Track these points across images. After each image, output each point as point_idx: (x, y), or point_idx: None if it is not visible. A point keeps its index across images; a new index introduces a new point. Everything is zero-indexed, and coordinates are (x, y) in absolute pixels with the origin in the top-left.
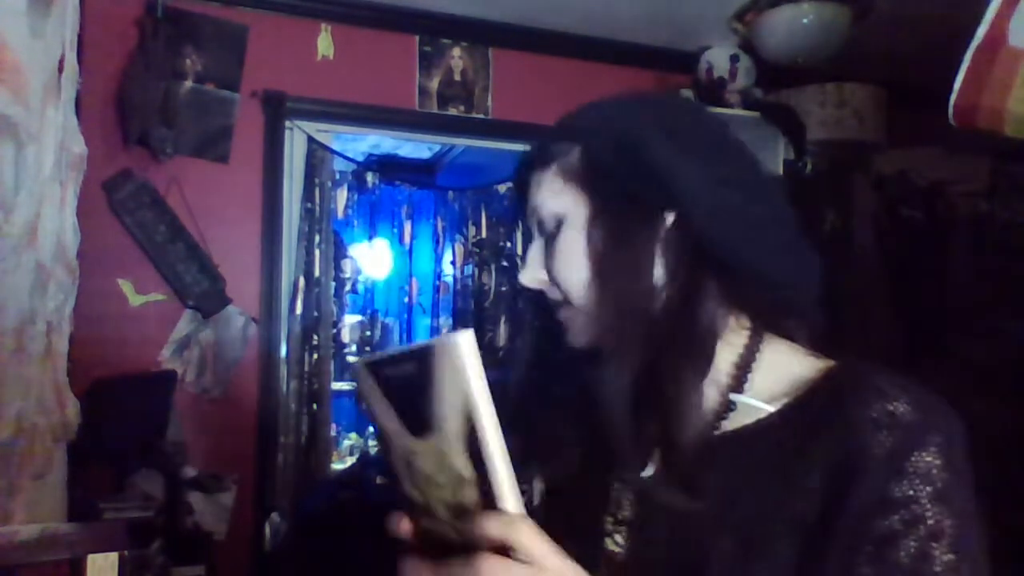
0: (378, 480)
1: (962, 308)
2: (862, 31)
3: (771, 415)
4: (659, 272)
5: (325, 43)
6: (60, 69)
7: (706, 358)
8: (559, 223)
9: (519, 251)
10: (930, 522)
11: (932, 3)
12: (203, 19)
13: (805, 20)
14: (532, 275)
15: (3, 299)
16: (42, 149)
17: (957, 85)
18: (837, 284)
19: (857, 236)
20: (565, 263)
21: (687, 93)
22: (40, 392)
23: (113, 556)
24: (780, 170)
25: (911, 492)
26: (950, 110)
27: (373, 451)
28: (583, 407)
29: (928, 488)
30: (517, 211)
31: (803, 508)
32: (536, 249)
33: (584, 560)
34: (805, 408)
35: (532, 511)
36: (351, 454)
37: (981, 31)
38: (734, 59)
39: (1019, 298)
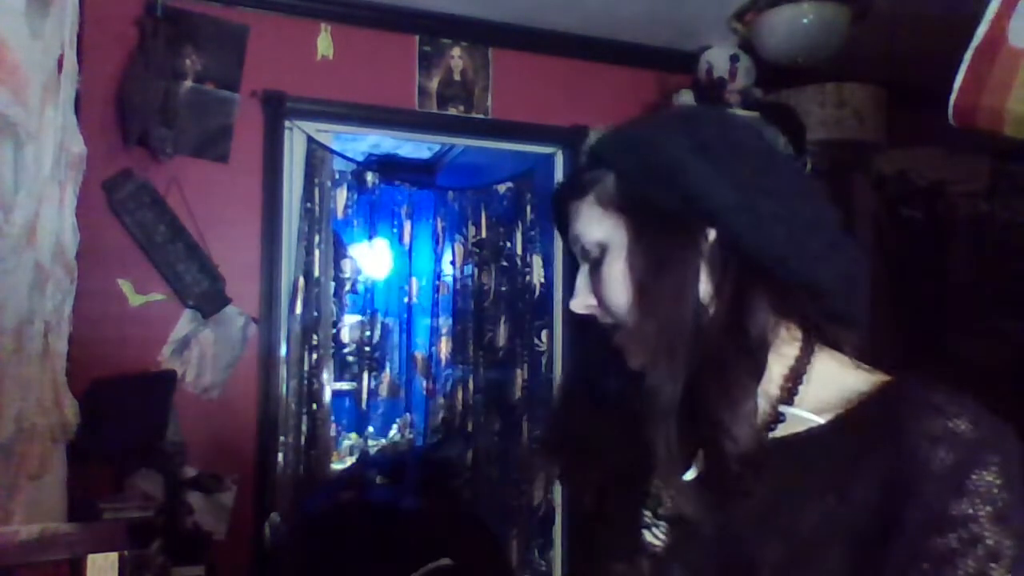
0: (378, 480)
1: (962, 308)
2: (862, 31)
3: (821, 426)
4: (706, 288)
5: (325, 43)
6: (59, 69)
7: (758, 369)
8: (602, 250)
9: (519, 251)
10: (989, 542)
11: (932, 3)
12: (203, 19)
13: (805, 20)
14: (582, 301)
15: (2, 299)
16: (41, 149)
17: (957, 85)
18: None
19: (857, 236)
20: (611, 288)
21: (687, 93)
22: (39, 392)
23: (113, 556)
24: None
25: (970, 511)
26: (950, 110)
27: (373, 451)
28: (629, 412)
29: (988, 508)
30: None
31: (857, 520)
32: (583, 276)
33: (622, 550)
34: (857, 421)
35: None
36: (351, 454)
37: (981, 31)
38: (734, 59)
39: (1019, 298)
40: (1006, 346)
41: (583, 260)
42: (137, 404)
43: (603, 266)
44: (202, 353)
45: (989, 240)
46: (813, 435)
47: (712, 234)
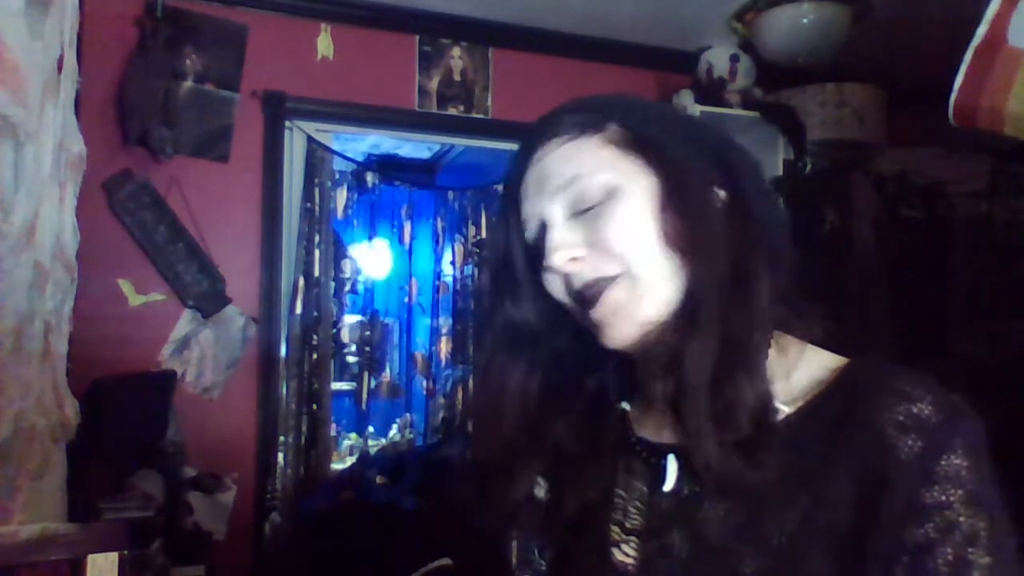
0: (378, 480)
1: (962, 308)
2: (862, 31)
3: (787, 416)
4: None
5: (325, 43)
6: (59, 69)
7: (766, 345)
8: (609, 193)
9: None
10: (965, 527)
11: (932, 3)
12: (203, 19)
13: (805, 20)
14: (567, 253)
15: (2, 299)
16: (41, 149)
17: (957, 85)
18: (837, 284)
19: (857, 236)
20: (626, 231)
21: (687, 93)
22: (39, 392)
23: (113, 556)
24: (780, 170)
25: (943, 498)
26: (950, 110)
27: (373, 451)
28: (589, 414)
29: (959, 492)
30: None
31: (835, 518)
32: (563, 228)
33: (591, 571)
34: (823, 411)
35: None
36: (351, 454)
37: (981, 31)
38: (734, 59)
39: (1019, 298)
40: (1006, 346)
41: (567, 207)
42: (137, 404)
43: (611, 210)
44: (202, 353)
45: (989, 240)
46: (783, 429)
47: (723, 194)
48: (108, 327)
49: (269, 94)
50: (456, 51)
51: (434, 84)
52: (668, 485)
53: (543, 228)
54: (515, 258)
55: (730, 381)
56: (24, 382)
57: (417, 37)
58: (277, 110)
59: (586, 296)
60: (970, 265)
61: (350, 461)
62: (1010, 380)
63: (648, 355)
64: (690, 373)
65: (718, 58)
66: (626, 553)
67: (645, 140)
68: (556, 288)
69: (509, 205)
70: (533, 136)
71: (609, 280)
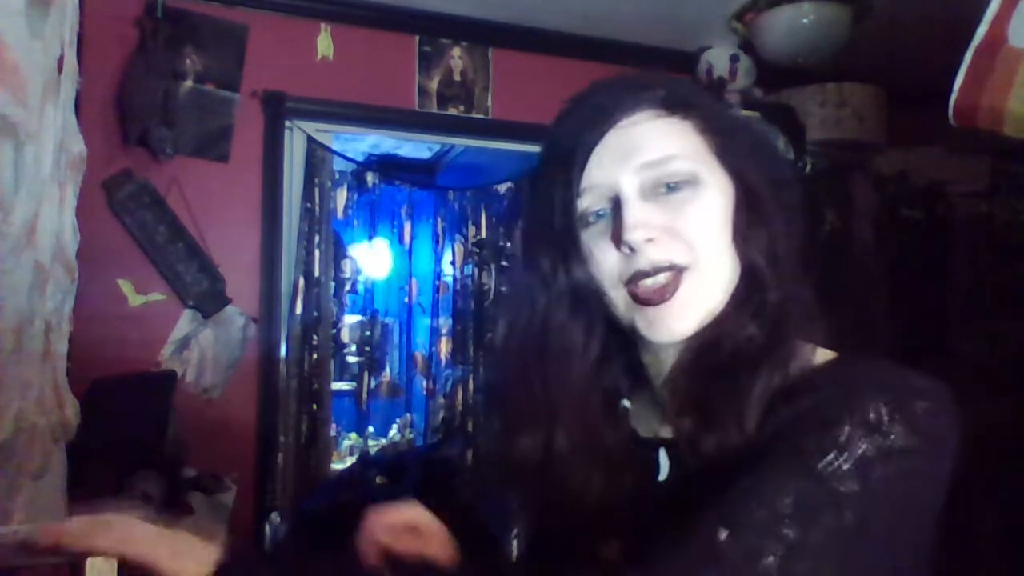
0: (378, 480)
1: (962, 308)
2: (862, 31)
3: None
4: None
5: (325, 43)
6: (59, 69)
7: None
8: (690, 181)
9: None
10: (859, 450)
11: (932, 3)
12: (203, 19)
13: (805, 20)
14: (648, 232)
15: (2, 299)
16: (41, 149)
17: (957, 85)
18: (837, 284)
19: (857, 236)
20: (704, 223)
21: None
22: (39, 392)
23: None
24: None
25: (847, 425)
26: (950, 110)
27: (373, 451)
28: (607, 402)
29: (863, 428)
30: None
31: None
32: (643, 206)
33: (578, 564)
34: (795, 415)
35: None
36: (351, 454)
37: (981, 31)
38: (734, 59)
39: (1019, 298)
40: (1006, 346)
41: (647, 185)
42: (137, 404)
43: (694, 199)
44: (202, 353)
45: (989, 240)
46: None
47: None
48: (108, 327)
49: (269, 94)
50: (456, 51)
51: (434, 84)
52: (663, 475)
53: (615, 201)
54: (572, 220)
55: (754, 374)
56: (24, 382)
57: (417, 37)
58: (277, 110)
59: (652, 294)
60: (970, 265)
61: (350, 461)
62: (1010, 380)
63: (670, 348)
64: (703, 366)
65: (718, 58)
66: (613, 547)
67: (724, 140)
68: (607, 264)
69: (569, 165)
70: (613, 100)
71: (678, 268)
